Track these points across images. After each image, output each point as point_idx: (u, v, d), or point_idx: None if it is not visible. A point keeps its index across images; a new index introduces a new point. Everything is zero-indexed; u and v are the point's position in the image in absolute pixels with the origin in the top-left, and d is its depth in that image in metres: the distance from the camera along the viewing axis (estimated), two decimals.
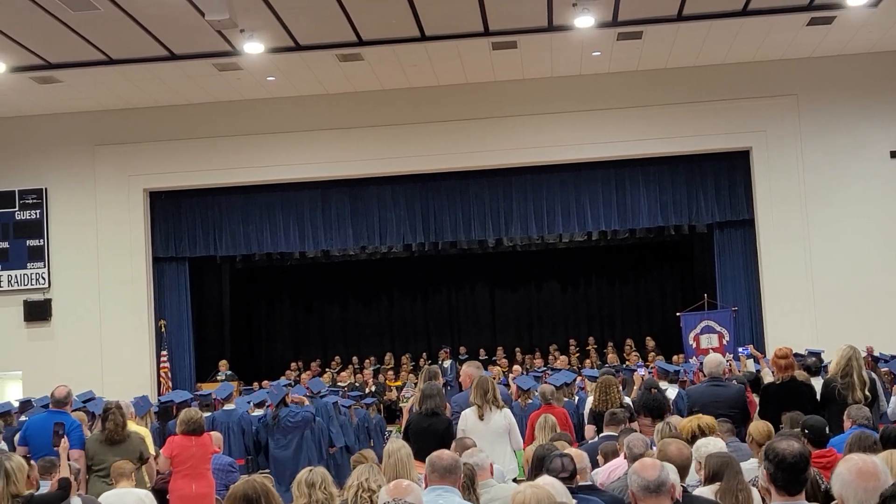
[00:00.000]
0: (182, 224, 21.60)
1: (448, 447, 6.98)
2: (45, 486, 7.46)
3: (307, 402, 14.35)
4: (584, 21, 16.92)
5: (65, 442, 8.33)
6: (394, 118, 20.64)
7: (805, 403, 8.69)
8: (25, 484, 6.88)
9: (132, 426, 10.22)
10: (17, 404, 14.52)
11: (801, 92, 20.17)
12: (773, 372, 10.40)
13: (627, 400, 11.04)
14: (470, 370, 9.89)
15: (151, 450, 10.20)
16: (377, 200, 21.45)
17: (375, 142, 20.64)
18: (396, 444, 7.07)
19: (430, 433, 8.59)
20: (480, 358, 23.70)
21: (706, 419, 7.79)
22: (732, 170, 20.79)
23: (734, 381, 11.35)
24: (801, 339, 17.02)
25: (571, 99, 20.44)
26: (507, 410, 8.99)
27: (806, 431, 7.10)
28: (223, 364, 22.33)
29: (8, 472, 6.61)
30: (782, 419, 8.27)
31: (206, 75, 19.19)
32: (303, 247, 21.96)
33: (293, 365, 24.01)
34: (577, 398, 13.73)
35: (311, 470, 5.46)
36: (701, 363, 12.31)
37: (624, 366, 19.36)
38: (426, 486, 5.51)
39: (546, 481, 5.20)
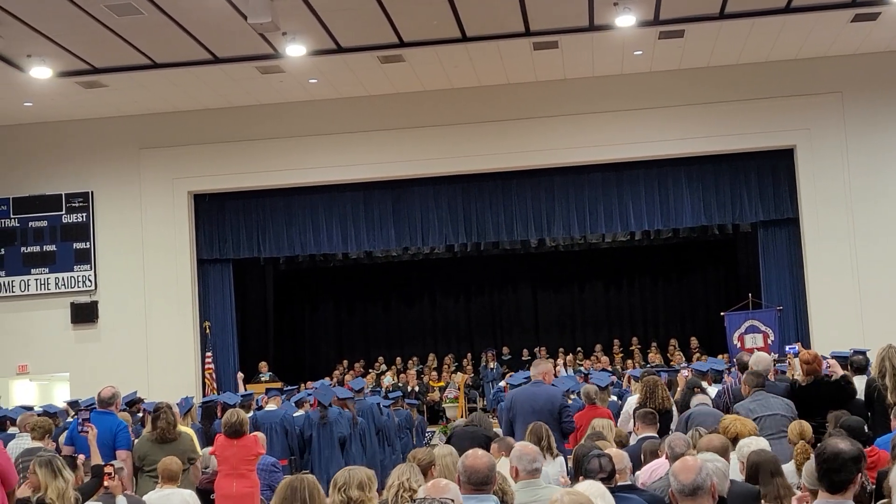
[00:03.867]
0: (226, 226, 21.74)
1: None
2: None
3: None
4: (626, 20, 16.88)
5: (93, 430, 8.40)
6: (435, 119, 20.67)
7: (831, 403, 8.64)
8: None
9: (181, 427, 10.33)
10: (64, 405, 14.69)
11: (845, 89, 19.97)
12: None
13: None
14: (547, 366, 9.87)
15: (198, 450, 10.29)
16: (419, 201, 21.48)
17: (417, 143, 20.68)
18: (444, 450, 7.07)
19: (473, 437, 8.53)
20: (523, 358, 23.72)
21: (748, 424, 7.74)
22: (776, 168, 20.62)
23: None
24: (847, 339, 16.83)
25: (613, 98, 20.37)
26: (561, 459, 8.67)
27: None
28: (263, 365, 22.46)
29: (75, 467, 6.83)
30: (828, 418, 8.23)
31: (249, 78, 19.32)
32: (345, 248, 22.03)
33: (339, 367, 24.10)
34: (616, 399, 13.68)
35: (348, 469, 5.48)
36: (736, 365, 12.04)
37: (669, 366, 19.30)
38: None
39: (584, 486, 5.18)
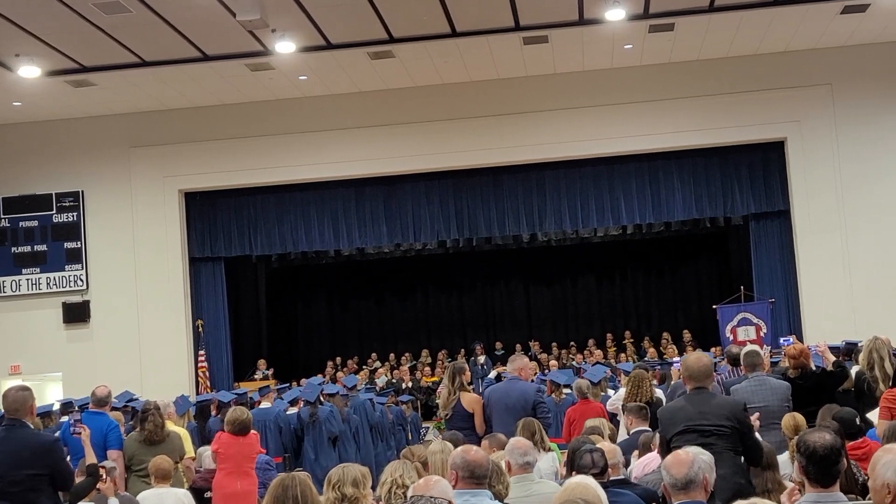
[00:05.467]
0: (217, 224, 21.70)
1: None
2: None
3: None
4: (615, 14, 16.87)
5: (85, 430, 8.42)
6: (426, 115, 20.65)
7: (821, 393, 8.66)
8: None
9: (172, 426, 10.33)
10: (58, 405, 14.68)
11: (835, 81, 19.99)
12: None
13: (659, 394, 11.00)
14: (523, 362, 9.82)
15: (190, 449, 10.29)
16: (411, 197, 21.47)
17: (408, 139, 20.66)
18: (437, 447, 7.06)
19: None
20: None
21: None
22: (767, 161, 20.65)
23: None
24: (839, 330, 16.85)
25: (604, 92, 20.38)
26: (553, 454, 8.62)
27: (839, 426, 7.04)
28: (262, 363, 22.47)
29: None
30: (820, 411, 8.24)
31: (239, 76, 19.29)
32: (338, 245, 22.02)
33: (329, 363, 24.10)
34: (612, 392, 13.71)
35: (343, 466, 5.47)
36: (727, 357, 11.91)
37: (662, 359, 19.34)
38: (455, 488, 5.41)
39: (575, 480, 5.18)
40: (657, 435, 7.45)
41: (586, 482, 5.18)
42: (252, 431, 10.20)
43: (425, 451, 6.78)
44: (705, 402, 6.41)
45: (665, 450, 6.24)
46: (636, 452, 8.32)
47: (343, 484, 5.29)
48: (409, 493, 4.83)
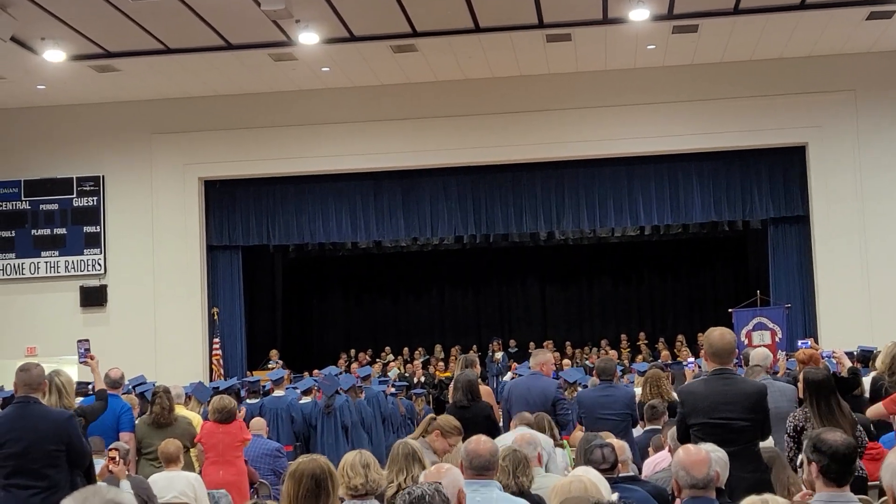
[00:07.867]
0: (236, 213, 21.79)
1: (494, 433, 6.95)
2: (99, 464, 7.58)
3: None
4: (639, 14, 16.86)
5: (94, 359, 8.51)
6: (447, 110, 20.68)
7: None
8: None
9: (183, 411, 10.37)
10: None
11: (858, 87, 19.92)
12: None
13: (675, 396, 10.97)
14: (546, 356, 9.77)
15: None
16: (429, 192, 21.51)
17: (428, 133, 20.69)
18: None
19: (472, 425, 8.37)
20: (530, 351, 23.67)
21: None
22: (788, 165, 20.61)
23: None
24: (856, 337, 16.82)
25: (625, 92, 20.36)
26: (564, 451, 8.39)
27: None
28: (273, 353, 22.51)
29: (59, 387, 7.28)
30: None
31: (262, 65, 19.35)
32: (355, 237, 22.08)
33: (343, 355, 24.08)
34: None
35: (360, 452, 5.42)
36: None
37: (675, 361, 19.31)
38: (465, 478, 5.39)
39: (579, 471, 5.20)
40: (668, 431, 7.44)
41: (587, 474, 5.20)
42: (237, 419, 10.11)
43: (457, 427, 6.74)
44: (729, 388, 6.13)
45: (682, 433, 6.12)
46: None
47: (378, 466, 5.27)
48: (420, 479, 4.84)
